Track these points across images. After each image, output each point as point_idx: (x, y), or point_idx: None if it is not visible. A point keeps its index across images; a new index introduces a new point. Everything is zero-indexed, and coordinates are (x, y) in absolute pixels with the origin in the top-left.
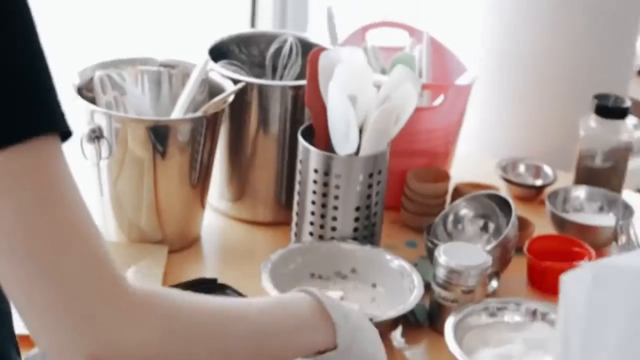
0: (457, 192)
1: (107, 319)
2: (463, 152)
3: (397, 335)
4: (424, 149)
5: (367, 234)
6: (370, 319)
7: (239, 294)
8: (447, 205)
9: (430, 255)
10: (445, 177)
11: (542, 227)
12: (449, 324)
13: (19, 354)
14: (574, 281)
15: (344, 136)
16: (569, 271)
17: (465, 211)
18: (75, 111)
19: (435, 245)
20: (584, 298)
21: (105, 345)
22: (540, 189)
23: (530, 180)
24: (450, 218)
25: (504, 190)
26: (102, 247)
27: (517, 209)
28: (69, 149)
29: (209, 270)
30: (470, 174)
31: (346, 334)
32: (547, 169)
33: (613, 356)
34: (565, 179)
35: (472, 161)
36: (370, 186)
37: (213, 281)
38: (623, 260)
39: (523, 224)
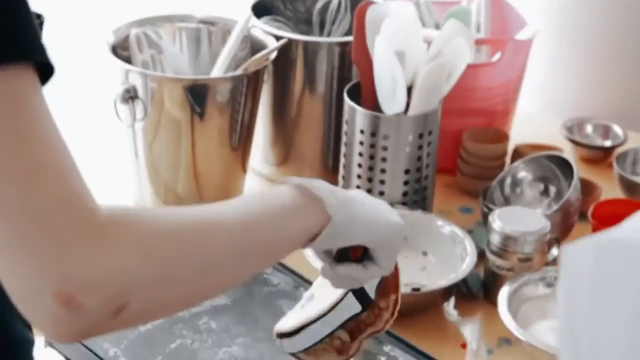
0: (517, 154)
1: (75, 249)
2: (524, 111)
3: (449, 307)
4: (481, 107)
5: (417, 198)
6: (417, 289)
7: (279, 263)
8: (505, 168)
9: (485, 221)
10: (504, 137)
11: (610, 191)
12: (504, 294)
13: (30, 329)
14: (576, 255)
15: (390, 94)
16: (569, 244)
17: (524, 174)
18: (109, 71)
19: (491, 210)
20: (586, 275)
21: (74, 279)
22: (609, 150)
23: (598, 141)
24: (508, 181)
25: (568, 152)
26: (74, 180)
27: (584, 172)
28: (102, 110)
29: None
30: (532, 135)
31: (337, 205)
32: (617, 129)
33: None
34: (636, 139)
35: (534, 121)
36: (420, 147)
37: None
38: (627, 233)
39: (588, 188)
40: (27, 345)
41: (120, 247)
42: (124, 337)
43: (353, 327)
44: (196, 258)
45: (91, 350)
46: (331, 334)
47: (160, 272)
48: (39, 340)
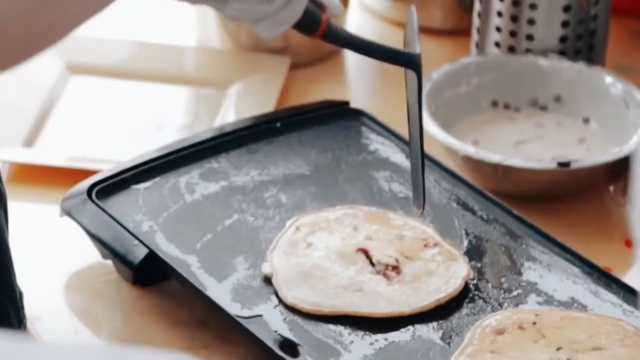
0: None
1: None
2: None
3: (612, 191)
4: None
5: (580, 46)
6: (566, 164)
7: (378, 123)
8: None
9: None
10: None
11: None
12: None
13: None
14: None
15: None
16: None
17: None
18: None
19: None
20: None
21: None
22: None
23: None
24: None
25: None
26: None
27: None
28: None
29: (344, 94)
30: None
31: None
32: None
33: None
34: None
35: None
36: None
37: (343, 104)
38: None
39: None
40: None
41: None
42: (163, 209)
43: None
44: None
45: (118, 221)
46: None
47: None
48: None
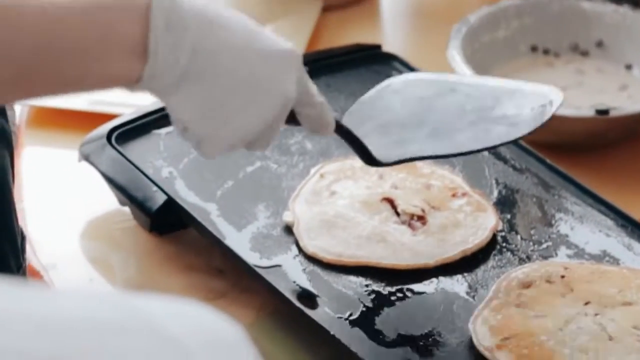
0: None
1: None
2: None
3: None
4: None
5: None
6: (604, 111)
7: (410, 68)
8: None
9: None
10: None
11: None
12: None
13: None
14: None
15: None
16: None
17: None
18: None
19: None
20: None
21: None
22: None
23: None
24: None
25: None
26: None
27: None
28: None
29: (378, 37)
30: None
31: (170, 58)
32: None
33: None
34: None
35: None
36: None
37: (375, 48)
38: None
39: None
40: None
41: None
42: (184, 155)
43: None
44: None
45: (137, 167)
46: None
47: None
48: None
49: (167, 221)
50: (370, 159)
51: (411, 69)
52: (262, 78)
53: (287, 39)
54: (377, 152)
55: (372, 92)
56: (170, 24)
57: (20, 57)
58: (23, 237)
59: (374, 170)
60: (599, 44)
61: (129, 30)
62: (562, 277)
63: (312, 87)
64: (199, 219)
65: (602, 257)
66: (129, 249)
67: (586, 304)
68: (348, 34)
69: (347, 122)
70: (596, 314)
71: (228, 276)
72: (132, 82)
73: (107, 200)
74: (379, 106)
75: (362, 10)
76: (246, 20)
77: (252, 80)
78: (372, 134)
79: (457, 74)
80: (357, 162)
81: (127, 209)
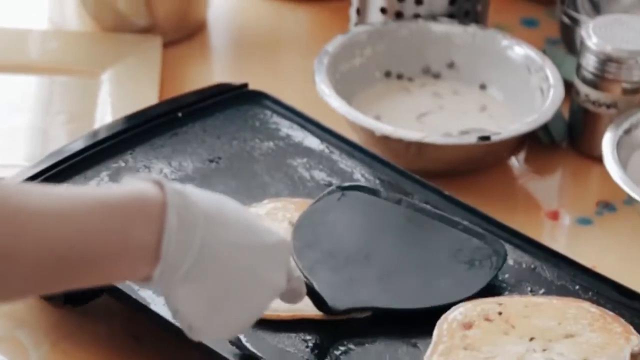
0: None
1: None
2: None
3: (518, 161)
4: None
5: (468, 7)
6: (486, 137)
7: (283, 106)
8: None
9: (567, 38)
10: None
11: None
12: (608, 141)
13: None
14: None
15: None
16: None
17: None
18: None
19: (577, 22)
20: None
21: None
22: None
23: None
24: None
25: None
26: None
27: None
28: None
29: (222, 71)
30: None
31: (179, 257)
32: None
33: None
34: None
35: None
36: None
37: (242, 87)
38: None
39: None
40: None
41: None
42: None
43: None
44: None
45: None
46: None
47: None
48: None
49: (81, 291)
50: (323, 306)
51: (285, 107)
52: (258, 274)
53: (137, 81)
54: (328, 295)
55: (319, 204)
56: (182, 222)
57: (37, 269)
58: None
59: (281, 215)
60: (451, 65)
61: (145, 235)
62: (500, 313)
63: (292, 265)
64: (120, 285)
65: None
66: (37, 325)
67: (531, 339)
68: (196, 69)
69: (297, 241)
70: (544, 350)
71: (146, 343)
72: (141, 281)
73: None
74: (326, 226)
75: (202, 42)
76: (241, 212)
77: (249, 277)
78: (321, 266)
79: (330, 106)
80: (260, 209)
81: None
